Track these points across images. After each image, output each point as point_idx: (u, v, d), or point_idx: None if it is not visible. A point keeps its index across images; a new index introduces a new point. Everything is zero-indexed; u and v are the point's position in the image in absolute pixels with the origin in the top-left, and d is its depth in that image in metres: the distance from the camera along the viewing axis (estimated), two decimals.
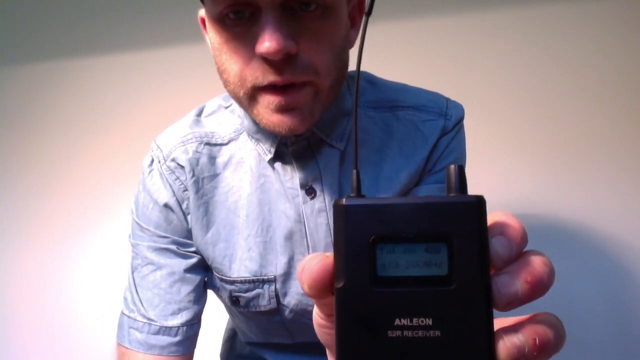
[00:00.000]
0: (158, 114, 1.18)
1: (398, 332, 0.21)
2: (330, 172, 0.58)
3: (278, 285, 0.60)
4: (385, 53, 1.09)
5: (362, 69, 0.66)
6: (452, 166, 0.22)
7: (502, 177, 1.05)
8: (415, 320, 0.21)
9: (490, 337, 0.20)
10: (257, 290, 0.60)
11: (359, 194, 0.23)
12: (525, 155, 1.05)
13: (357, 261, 0.21)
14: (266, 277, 0.60)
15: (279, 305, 0.61)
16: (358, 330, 0.21)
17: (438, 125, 0.60)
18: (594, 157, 1.02)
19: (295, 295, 0.61)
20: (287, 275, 0.60)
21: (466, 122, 0.65)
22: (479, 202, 0.21)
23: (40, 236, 1.30)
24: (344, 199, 0.22)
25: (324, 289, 0.22)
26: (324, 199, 0.58)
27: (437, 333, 0.21)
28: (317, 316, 0.26)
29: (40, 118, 1.31)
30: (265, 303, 0.61)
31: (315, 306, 0.25)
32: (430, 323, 0.21)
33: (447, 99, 0.63)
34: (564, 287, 1.01)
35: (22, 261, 1.31)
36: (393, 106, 0.62)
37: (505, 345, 0.20)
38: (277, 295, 0.61)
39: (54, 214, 1.30)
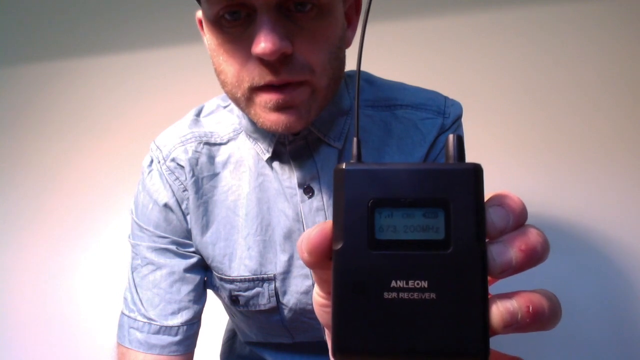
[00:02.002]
0: (158, 114, 1.18)
1: (394, 294, 0.21)
2: (328, 171, 0.58)
3: (278, 284, 0.60)
4: (384, 53, 1.09)
5: (361, 69, 0.66)
6: (451, 135, 0.23)
7: (502, 177, 1.05)
8: (411, 282, 0.21)
9: (484, 301, 0.21)
10: (257, 289, 0.61)
11: (359, 160, 0.24)
12: (524, 155, 1.05)
13: (356, 224, 0.22)
14: (266, 276, 0.60)
15: (279, 304, 0.61)
16: (354, 291, 0.21)
17: (436, 124, 0.60)
18: (594, 157, 1.02)
19: (294, 294, 0.61)
20: (287, 273, 0.60)
21: (466, 122, 0.65)
22: (476, 170, 0.22)
23: (41, 236, 1.30)
24: (344, 164, 0.22)
25: (323, 254, 0.22)
26: (322, 198, 0.58)
27: (432, 295, 0.21)
28: (317, 296, 0.26)
29: (40, 118, 1.31)
30: (264, 302, 0.61)
31: (315, 286, 0.26)
32: (426, 286, 0.21)
33: (445, 97, 0.63)
34: (563, 286, 1.01)
35: (22, 261, 1.31)
36: (391, 105, 0.62)
37: (498, 309, 0.21)
38: (276, 294, 0.61)
39: (54, 214, 1.30)
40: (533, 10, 1.04)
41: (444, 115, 0.61)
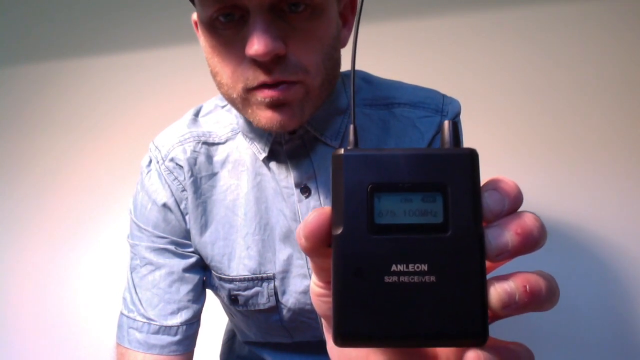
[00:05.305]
0: (158, 114, 1.18)
1: (394, 278, 0.21)
2: (325, 171, 0.58)
3: (277, 283, 0.60)
4: (384, 53, 1.09)
5: (360, 69, 0.66)
6: (447, 122, 0.23)
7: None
8: (411, 266, 0.21)
9: (482, 283, 0.21)
10: (256, 289, 0.61)
11: (356, 146, 0.24)
12: (524, 155, 1.05)
13: (355, 209, 0.22)
14: (265, 275, 0.60)
15: (278, 304, 0.62)
16: (355, 276, 0.21)
17: (434, 122, 0.60)
18: (594, 157, 1.02)
19: (293, 293, 0.61)
20: (286, 272, 0.60)
21: (465, 122, 0.65)
22: (472, 154, 0.22)
23: (41, 237, 1.30)
24: (342, 149, 0.22)
25: (320, 239, 0.22)
26: (319, 197, 0.58)
27: (432, 278, 0.21)
28: (314, 285, 0.26)
29: (40, 118, 1.31)
30: (264, 301, 0.61)
31: (312, 275, 0.26)
32: (426, 269, 0.21)
33: (444, 95, 0.63)
34: (561, 287, 1.00)
35: (22, 261, 1.31)
36: (389, 103, 0.62)
37: (496, 290, 0.21)
38: (275, 294, 0.61)
39: (54, 214, 1.30)
40: (533, 10, 1.04)
41: (442, 113, 0.61)
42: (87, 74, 1.29)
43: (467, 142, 0.64)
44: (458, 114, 0.62)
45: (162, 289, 0.58)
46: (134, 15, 1.25)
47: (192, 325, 0.60)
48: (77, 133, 1.29)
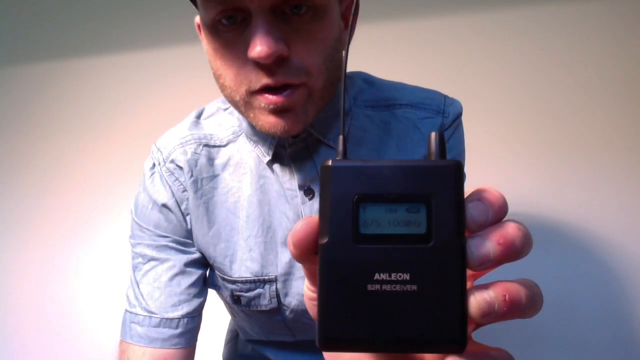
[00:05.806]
0: (158, 115, 1.18)
1: (377, 286, 0.22)
2: None
3: (279, 285, 0.60)
4: (384, 53, 1.09)
5: (360, 69, 0.66)
6: (433, 133, 0.24)
7: (501, 177, 1.05)
8: (393, 275, 0.22)
9: (462, 293, 0.21)
10: (259, 290, 0.61)
11: (345, 157, 0.25)
12: (524, 155, 1.05)
13: (341, 219, 0.22)
14: (267, 277, 0.60)
15: (280, 305, 0.62)
16: (339, 284, 0.22)
17: (436, 123, 0.60)
18: (594, 157, 1.02)
19: (296, 295, 0.61)
20: (288, 275, 0.60)
21: (466, 122, 0.65)
22: (456, 166, 0.22)
23: (41, 237, 1.31)
24: (330, 160, 0.23)
25: (308, 247, 0.23)
26: None
27: (414, 287, 0.22)
28: (307, 290, 0.26)
29: (40, 118, 1.31)
30: (266, 303, 0.61)
31: (305, 279, 0.26)
32: (408, 278, 0.22)
33: (445, 96, 0.63)
34: (561, 287, 1.01)
35: (23, 262, 1.31)
36: (390, 104, 0.62)
37: (476, 300, 0.21)
38: (277, 295, 0.61)
39: (54, 214, 1.30)
40: (533, 10, 1.04)
41: (444, 115, 0.61)
42: (87, 74, 1.29)
43: (467, 143, 0.64)
44: (459, 115, 0.62)
45: (164, 282, 0.58)
46: (134, 15, 1.25)
47: (194, 318, 0.60)
48: (77, 133, 1.29)
